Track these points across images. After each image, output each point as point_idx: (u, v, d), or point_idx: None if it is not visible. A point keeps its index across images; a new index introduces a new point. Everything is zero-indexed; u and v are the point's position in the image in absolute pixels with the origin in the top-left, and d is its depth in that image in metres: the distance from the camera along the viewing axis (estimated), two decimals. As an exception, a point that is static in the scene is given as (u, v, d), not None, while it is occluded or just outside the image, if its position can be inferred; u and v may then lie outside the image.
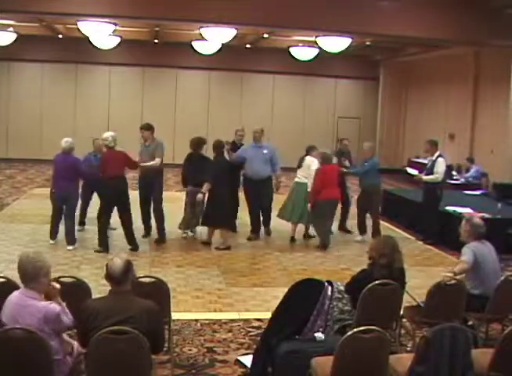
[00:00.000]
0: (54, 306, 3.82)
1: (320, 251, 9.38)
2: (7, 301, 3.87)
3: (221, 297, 7.00)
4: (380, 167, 10.71)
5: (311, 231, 10.01)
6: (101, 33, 13.82)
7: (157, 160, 9.16)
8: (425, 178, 10.10)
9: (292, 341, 4.55)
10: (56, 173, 8.86)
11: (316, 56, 17.46)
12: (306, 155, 9.91)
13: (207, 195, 9.17)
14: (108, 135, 8.82)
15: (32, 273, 3.81)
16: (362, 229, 10.20)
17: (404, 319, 5.48)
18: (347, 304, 4.90)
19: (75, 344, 4.14)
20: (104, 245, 8.68)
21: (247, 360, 4.99)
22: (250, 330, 5.92)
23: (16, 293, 3.91)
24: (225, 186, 9.06)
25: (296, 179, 9.93)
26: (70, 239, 8.84)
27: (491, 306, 5.24)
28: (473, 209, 10.11)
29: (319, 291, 4.83)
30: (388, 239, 5.35)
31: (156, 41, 18.65)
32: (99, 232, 8.75)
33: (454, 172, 15.53)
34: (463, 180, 14.95)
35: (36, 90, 19.64)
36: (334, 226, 10.51)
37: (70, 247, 8.75)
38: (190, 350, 5.37)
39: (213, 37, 13.74)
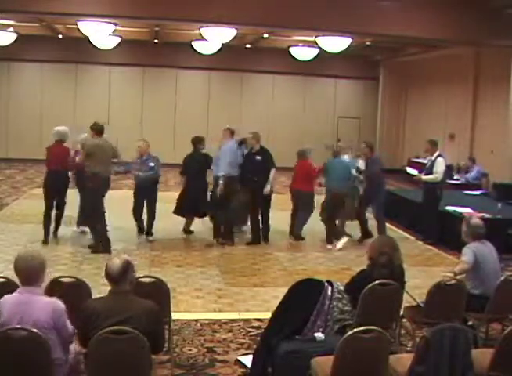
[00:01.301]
0: (60, 302, 3.86)
1: (296, 240, 9.90)
2: (3, 303, 3.82)
3: (221, 297, 7.00)
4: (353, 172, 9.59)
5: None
6: (101, 33, 13.84)
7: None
8: (424, 178, 10.09)
9: (292, 341, 4.55)
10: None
11: (316, 56, 17.46)
12: None
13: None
14: (56, 129, 9.02)
15: (37, 271, 3.84)
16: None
17: (404, 319, 5.48)
18: (348, 304, 4.89)
19: (75, 344, 4.14)
20: (46, 239, 8.87)
21: (247, 360, 4.98)
22: (250, 330, 5.92)
23: (14, 294, 3.87)
24: (200, 179, 9.57)
25: None
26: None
27: (491, 306, 5.24)
28: (473, 209, 10.10)
29: (319, 291, 4.83)
30: (387, 238, 5.38)
31: (156, 41, 18.64)
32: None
33: (454, 172, 15.52)
34: (463, 180, 14.95)
35: (36, 90, 19.62)
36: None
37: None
38: (190, 350, 5.37)
39: (213, 37, 13.75)
